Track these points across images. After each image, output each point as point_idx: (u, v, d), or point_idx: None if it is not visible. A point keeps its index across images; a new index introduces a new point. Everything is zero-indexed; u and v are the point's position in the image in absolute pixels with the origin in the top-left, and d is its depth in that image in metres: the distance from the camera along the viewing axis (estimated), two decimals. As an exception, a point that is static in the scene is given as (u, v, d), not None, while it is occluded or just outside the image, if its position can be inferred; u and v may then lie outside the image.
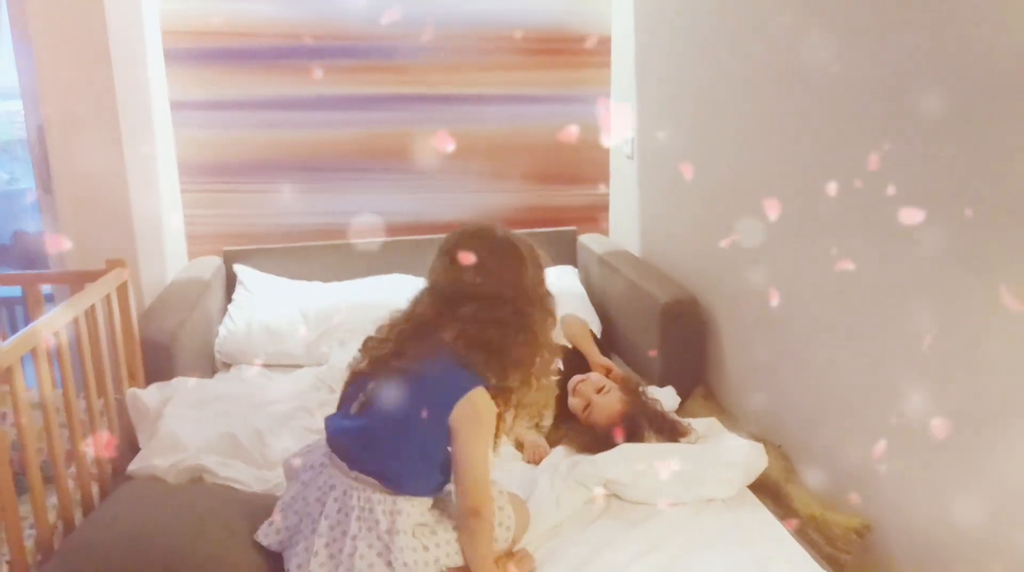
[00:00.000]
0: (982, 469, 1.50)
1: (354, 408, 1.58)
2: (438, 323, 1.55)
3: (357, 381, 1.62)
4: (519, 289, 1.57)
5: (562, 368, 2.42)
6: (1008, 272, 1.40)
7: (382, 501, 1.52)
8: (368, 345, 1.63)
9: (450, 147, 3.18)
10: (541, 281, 1.62)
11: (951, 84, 1.49)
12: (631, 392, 2.16)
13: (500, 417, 1.58)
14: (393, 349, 1.56)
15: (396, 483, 1.54)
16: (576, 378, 2.25)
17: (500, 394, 1.56)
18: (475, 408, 1.51)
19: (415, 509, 1.55)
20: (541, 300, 1.61)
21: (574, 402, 2.20)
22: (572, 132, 3.37)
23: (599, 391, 2.17)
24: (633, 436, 2.03)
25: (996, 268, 1.43)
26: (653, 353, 2.54)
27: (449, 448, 1.54)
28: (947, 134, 1.51)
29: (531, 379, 1.58)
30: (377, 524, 1.51)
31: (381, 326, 1.65)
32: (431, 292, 1.61)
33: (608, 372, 2.32)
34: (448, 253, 1.59)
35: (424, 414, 1.50)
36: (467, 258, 1.54)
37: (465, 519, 1.55)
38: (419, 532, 1.54)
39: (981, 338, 1.48)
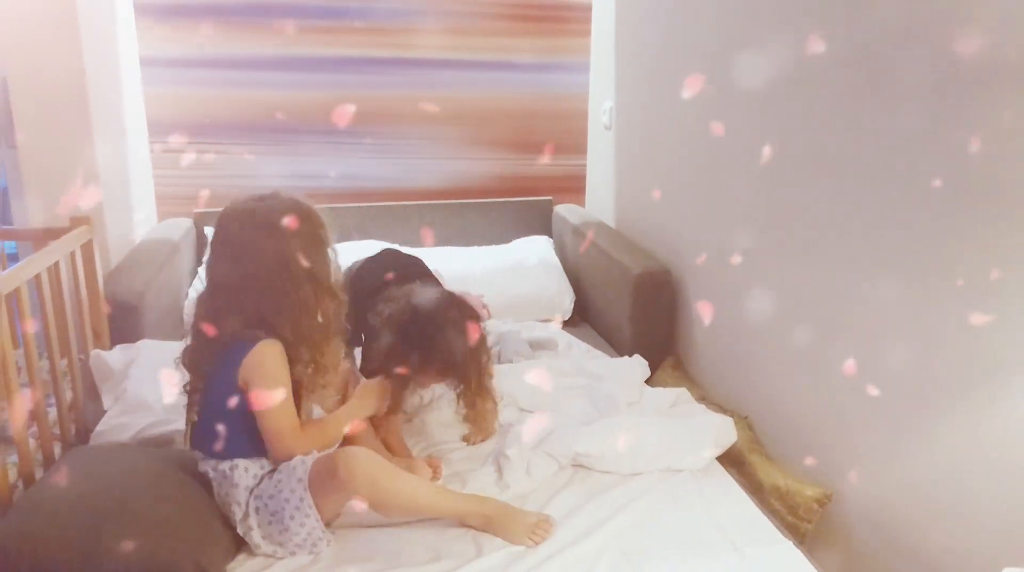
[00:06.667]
0: (938, 441, 1.53)
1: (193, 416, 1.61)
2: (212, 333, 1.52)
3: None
4: (279, 264, 1.52)
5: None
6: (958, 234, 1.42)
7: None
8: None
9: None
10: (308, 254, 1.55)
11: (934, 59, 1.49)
12: None
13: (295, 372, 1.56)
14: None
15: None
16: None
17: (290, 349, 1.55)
18: (261, 357, 1.50)
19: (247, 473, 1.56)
20: (306, 275, 1.54)
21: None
22: (551, 100, 3.34)
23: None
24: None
25: (954, 238, 1.44)
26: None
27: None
28: (903, 113, 1.52)
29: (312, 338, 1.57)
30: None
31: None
32: (208, 288, 1.59)
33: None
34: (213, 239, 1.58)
35: (227, 383, 1.52)
36: (223, 238, 1.56)
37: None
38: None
39: (939, 311, 1.49)
